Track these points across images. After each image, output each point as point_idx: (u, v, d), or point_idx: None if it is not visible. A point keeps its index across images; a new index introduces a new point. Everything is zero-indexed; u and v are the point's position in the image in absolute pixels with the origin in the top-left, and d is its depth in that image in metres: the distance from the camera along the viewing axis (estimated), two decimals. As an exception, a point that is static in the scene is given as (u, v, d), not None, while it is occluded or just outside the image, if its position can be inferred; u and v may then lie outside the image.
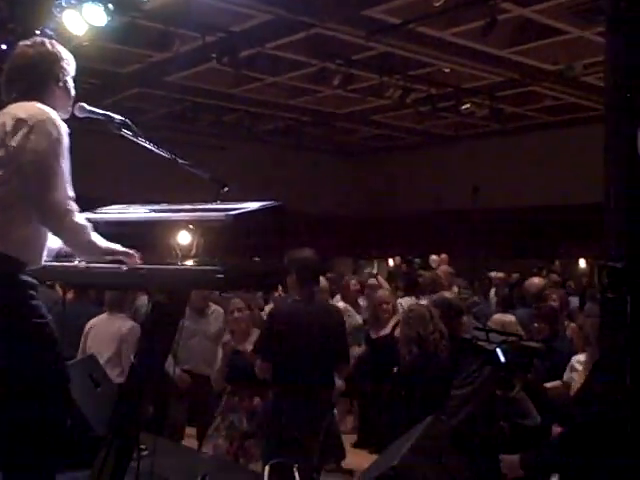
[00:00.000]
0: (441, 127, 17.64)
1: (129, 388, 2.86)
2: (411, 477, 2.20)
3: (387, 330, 7.06)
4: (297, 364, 5.06)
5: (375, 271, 19.67)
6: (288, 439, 4.92)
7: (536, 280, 8.21)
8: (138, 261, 2.56)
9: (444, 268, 9.58)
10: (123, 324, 6.11)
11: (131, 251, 2.60)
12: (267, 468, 2.65)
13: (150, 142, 2.87)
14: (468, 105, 14.50)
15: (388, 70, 12.89)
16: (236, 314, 5.66)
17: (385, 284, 10.60)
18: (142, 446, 3.02)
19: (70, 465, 3.15)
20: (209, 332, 6.62)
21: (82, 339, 6.20)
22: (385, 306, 7.23)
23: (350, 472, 7.02)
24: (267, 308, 7.93)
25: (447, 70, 13.08)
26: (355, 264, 20.47)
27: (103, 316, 6.34)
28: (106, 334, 6.09)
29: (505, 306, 8.67)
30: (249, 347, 5.47)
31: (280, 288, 8.49)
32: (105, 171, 14.70)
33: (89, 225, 2.70)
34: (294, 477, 2.59)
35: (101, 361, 5.64)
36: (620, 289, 2.74)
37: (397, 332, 6.65)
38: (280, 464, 2.83)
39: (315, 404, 5.09)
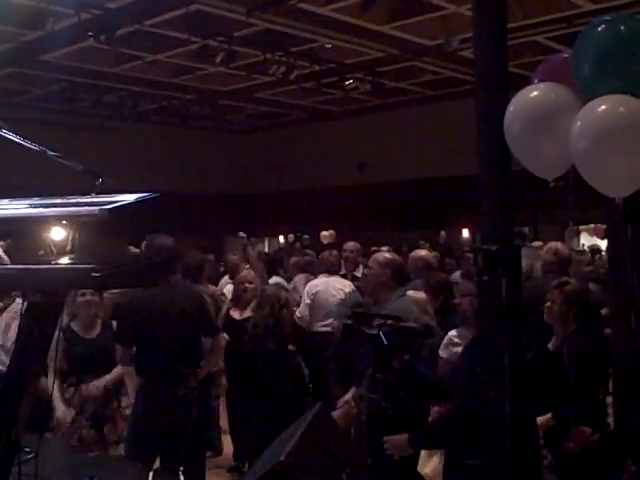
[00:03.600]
0: (325, 103, 17.75)
1: (7, 391, 2.74)
2: (300, 470, 2.21)
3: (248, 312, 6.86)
4: (153, 350, 5.13)
5: (266, 249, 19.69)
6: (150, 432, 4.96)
7: (422, 252, 8.25)
8: (7, 260, 2.46)
9: (351, 245, 9.18)
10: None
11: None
12: (151, 474, 2.61)
13: (16, 134, 2.73)
14: (351, 81, 14.64)
15: (271, 47, 12.84)
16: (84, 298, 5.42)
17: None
18: (26, 448, 2.91)
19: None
20: None
21: None
22: (248, 285, 6.99)
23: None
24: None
25: (329, 46, 13.14)
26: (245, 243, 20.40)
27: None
28: None
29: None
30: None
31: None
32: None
33: None
34: None
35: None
36: (495, 272, 2.84)
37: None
38: (165, 468, 2.80)
39: (175, 390, 5.16)
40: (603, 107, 2.92)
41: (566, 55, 3.25)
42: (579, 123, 2.89)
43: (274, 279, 9.22)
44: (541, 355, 4.05)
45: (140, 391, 5.18)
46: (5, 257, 2.53)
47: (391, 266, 4.94)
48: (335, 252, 8.67)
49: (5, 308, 6.01)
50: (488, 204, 3.03)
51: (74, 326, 5.39)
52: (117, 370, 5.32)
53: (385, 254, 5.60)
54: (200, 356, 5.52)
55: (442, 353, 4.84)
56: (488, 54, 3.39)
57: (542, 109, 3.08)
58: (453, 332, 4.82)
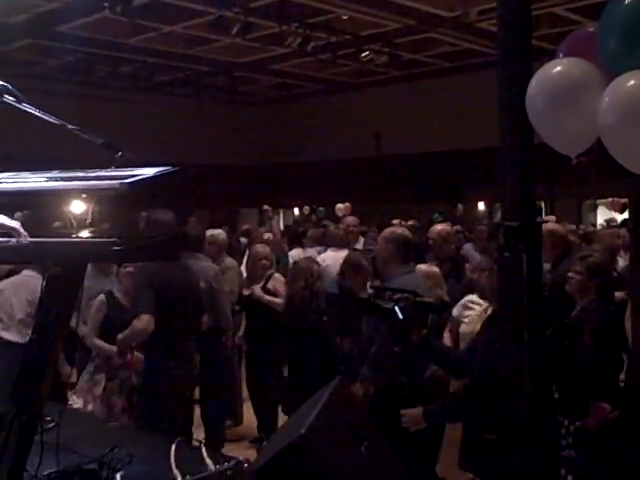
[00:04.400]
0: (342, 75, 17.63)
1: (30, 362, 2.77)
2: (320, 444, 2.22)
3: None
4: (167, 324, 5.08)
5: (281, 221, 19.69)
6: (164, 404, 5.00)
7: (439, 227, 8.26)
8: (25, 234, 2.45)
9: (350, 220, 9.45)
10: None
11: (17, 224, 2.48)
12: (173, 446, 2.63)
13: (36, 107, 2.72)
14: (368, 52, 14.52)
15: (287, 18, 12.73)
16: (126, 269, 5.50)
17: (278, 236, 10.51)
18: (47, 417, 2.95)
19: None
20: None
21: None
22: (264, 262, 6.97)
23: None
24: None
25: (345, 17, 13.03)
26: (260, 214, 20.40)
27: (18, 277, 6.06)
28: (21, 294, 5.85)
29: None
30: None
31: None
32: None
33: None
34: (202, 453, 2.58)
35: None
36: (516, 248, 2.82)
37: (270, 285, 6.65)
38: (185, 440, 2.82)
39: (188, 361, 5.21)
40: (632, 82, 2.86)
41: (592, 29, 3.20)
42: (607, 99, 2.85)
43: (294, 252, 9.19)
44: (561, 331, 4.04)
45: (148, 365, 5.18)
46: (22, 231, 2.51)
47: (394, 241, 4.80)
48: (343, 226, 8.80)
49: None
50: (509, 180, 3.01)
51: (116, 293, 5.49)
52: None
53: (393, 229, 5.43)
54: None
55: (454, 312, 4.84)
56: (511, 25, 3.35)
57: (565, 85, 3.04)
58: (472, 296, 4.82)
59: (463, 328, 5.21)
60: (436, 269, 5.56)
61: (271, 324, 6.44)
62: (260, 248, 7.23)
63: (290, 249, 9.48)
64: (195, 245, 6.18)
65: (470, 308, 5.12)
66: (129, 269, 5.37)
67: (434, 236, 6.89)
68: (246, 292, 6.89)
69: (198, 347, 5.52)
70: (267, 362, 6.54)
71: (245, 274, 7.42)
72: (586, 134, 2.98)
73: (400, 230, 5.30)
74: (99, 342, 5.37)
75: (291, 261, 8.14)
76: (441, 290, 5.24)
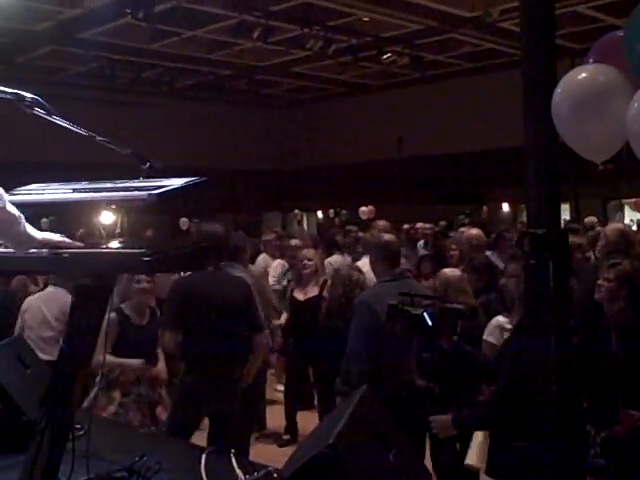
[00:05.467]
0: (363, 77, 17.62)
1: (60, 371, 2.79)
2: (349, 453, 2.22)
3: (315, 291, 6.91)
4: (204, 337, 4.97)
5: (305, 224, 19.70)
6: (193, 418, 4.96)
7: (472, 231, 8.11)
8: (77, 245, 2.47)
9: (382, 224, 9.17)
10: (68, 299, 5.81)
11: (67, 239, 2.50)
12: (204, 456, 2.64)
13: (66, 119, 2.75)
14: (389, 54, 14.50)
15: (308, 21, 12.75)
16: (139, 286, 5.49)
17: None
18: (77, 425, 2.97)
19: (1, 451, 3.09)
20: None
21: (19, 318, 6.03)
22: (307, 263, 7.01)
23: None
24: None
25: (366, 19, 13.02)
26: (284, 218, 20.46)
27: (43, 293, 6.13)
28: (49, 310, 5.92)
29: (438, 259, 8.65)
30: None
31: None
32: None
33: (21, 215, 2.56)
34: (232, 463, 2.60)
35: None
36: (542, 255, 2.80)
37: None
38: (217, 450, 2.84)
39: (223, 380, 5.01)
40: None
41: (621, 34, 3.17)
42: (636, 105, 2.82)
43: (334, 258, 8.85)
44: (588, 339, 4.01)
45: (183, 378, 5.10)
46: (69, 241, 2.52)
47: (375, 248, 4.80)
48: (374, 231, 8.69)
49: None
50: (533, 186, 2.99)
51: (126, 310, 5.37)
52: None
53: (378, 236, 5.38)
54: (246, 351, 5.30)
55: (489, 338, 4.77)
56: (534, 24, 3.32)
57: (591, 92, 3.02)
58: (501, 318, 4.74)
59: None
60: (458, 272, 5.46)
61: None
62: (305, 251, 7.31)
63: (328, 255, 9.18)
64: (234, 254, 6.15)
65: (507, 329, 4.96)
66: (143, 285, 5.31)
67: (463, 243, 6.74)
68: (297, 295, 6.96)
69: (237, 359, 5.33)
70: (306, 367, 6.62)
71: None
72: (612, 141, 2.97)
73: (387, 237, 5.25)
74: (110, 358, 5.24)
75: (330, 267, 8.05)
76: (464, 295, 5.13)
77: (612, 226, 6.88)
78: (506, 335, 4.64)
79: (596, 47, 3.37)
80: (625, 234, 6.30)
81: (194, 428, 5.05)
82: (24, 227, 2.51)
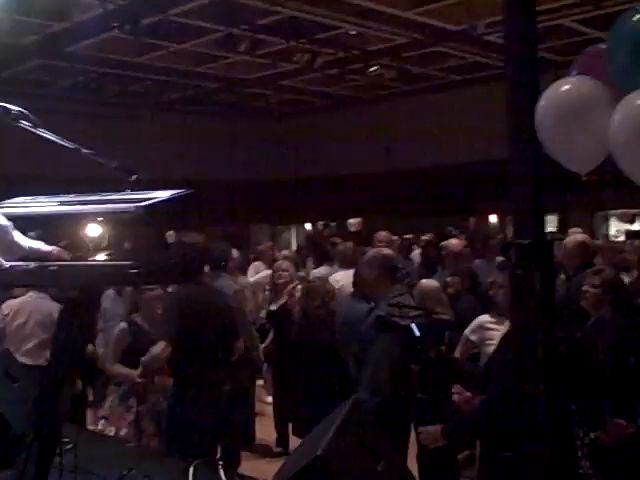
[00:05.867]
0: (351, 90, 17.68)
1: (48, 384, 2.79)
2: (336, 464, 2.22)
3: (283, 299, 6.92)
4: (199, 348, 4.99)
5: (293, 237, 19.70)
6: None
7: (454, 241, 8.22)
8: (65, 257, 2.47)
9: (383, 236, 9.02)
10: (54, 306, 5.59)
11: (56, 249, 2.51)
12: (191, 469, 2.64)
13: (51, 132, 2.75)
14: (376, 67, 14.57)
15: (295, 34, 12.79)
16: (153, 293, 5.51)
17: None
18: (65, 439, 2.97)
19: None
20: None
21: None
22: (282, 273, 7.05)
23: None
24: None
25: (353, 33, 13.08)
26: (272, 230, 20.45)
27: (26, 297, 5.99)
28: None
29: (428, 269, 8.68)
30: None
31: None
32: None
33: (10, 224, 2.56)
34: (219, 475, 2.59)
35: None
36: (528, 266, 2.82)
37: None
38: (205, 462, 2.83)
39: (216, 390, 5.08)
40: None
41: (604, 46, 3.20)
42: (618, 116, 2.85)
43: (321, 270, 8.67)
44: (575, 348, 4.03)
45: (175, 392, 5.10)
46: (58, 250, 2.53)
47: (376, 264, 4.72)
48: (350, 244, 8.60)
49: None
50: (519, 197, 3.01)
51: (139, 319, 5.41)
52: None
53: (376, 250, 5.30)
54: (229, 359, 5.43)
55: (471, 336, 4.80)
56: (517, 38, 3.36)
57: (574, 104, 3.05)
58: (486, 316, 4.79)
59: (491, 349, 5.12)
60: (435, 284, 5.49)
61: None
62: (280, 262, 7.40)
63: (318, 266, 9.05)
64: (218, 264, 6.17)
65: (490, 329, 5.01)
66: (154, 294, 5.33)
67: (448, 251, 6.90)
68: (273, 307, 7.01)
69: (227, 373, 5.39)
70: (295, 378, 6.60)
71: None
72: (596, 152, 2.99)
73: (385, 251, 5.19)
74: (118, 367, 5.29)
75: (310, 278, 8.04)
76: (441, 305, 5.14)
77: (572, 237, 6.91)
78: (488, 333, 4.69)
79: (580, 60, 3.41)
80: (584, 245, 6.35)
81: (193, 442, 5.04)
82: (13, 236, 2.52)
